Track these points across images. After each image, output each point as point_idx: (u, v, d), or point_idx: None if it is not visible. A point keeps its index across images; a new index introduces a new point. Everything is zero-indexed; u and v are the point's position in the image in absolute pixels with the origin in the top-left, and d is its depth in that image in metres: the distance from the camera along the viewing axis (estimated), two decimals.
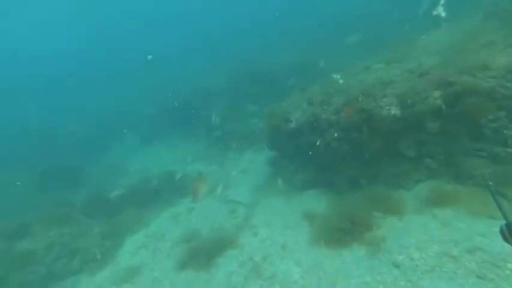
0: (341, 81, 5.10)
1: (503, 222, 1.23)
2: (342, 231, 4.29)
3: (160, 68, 18.89)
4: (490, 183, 1.43)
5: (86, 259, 6.91)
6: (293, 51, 13.02)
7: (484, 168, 3.49)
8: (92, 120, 16.28)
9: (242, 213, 6.40)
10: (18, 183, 9.09)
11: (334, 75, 5.55)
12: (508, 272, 2.84)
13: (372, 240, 3.97)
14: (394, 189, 4.62)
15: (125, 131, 12.49)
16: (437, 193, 4.08)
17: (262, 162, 7.83)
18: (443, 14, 4.92)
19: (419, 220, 3.96)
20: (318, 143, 4.70)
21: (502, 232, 1.14)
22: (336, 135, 4.84)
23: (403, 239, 3.79)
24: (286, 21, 18.77)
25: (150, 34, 30.08)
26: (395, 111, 4.16)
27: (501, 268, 2.88)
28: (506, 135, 3.66)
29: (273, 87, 10.03)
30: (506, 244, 1.18)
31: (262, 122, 7.22)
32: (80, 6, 28.88)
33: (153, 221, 7.85)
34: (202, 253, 5.48)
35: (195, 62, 18.52)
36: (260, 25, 21.01)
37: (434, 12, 4.92)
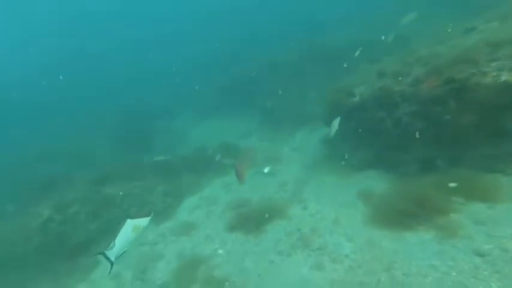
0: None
1: None
2: (405, 214, 3.91)
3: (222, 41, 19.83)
4: None
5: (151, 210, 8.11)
6: (349, 29, 11.98)
7: None
8: (160, 92, 18.33)
9: (292, 188, 6.46)
10: None
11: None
12: None
13: (446, 225, 3.50)
14: (485, 173, 3.84)
15: (196, 87, 13.58)
16: None
17: (317, 141, 7.63)
18: None
19: None
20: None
21: None
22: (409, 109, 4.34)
23: (493, 228, 3.21)
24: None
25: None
26: (507, 77, 3.40)
27: None
28: None
29: (335, 64, 9.47)
30: None
31: (320, 101, 6.94)
32: None
33: (207, 187, 8.61)
34: (251, 220, 5.79)
35: (258, 36, 18.73)
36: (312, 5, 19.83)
37: None
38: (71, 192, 8.32)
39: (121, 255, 2.71)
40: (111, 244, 2.64)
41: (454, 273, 2.96)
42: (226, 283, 4.45)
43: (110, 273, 2.72)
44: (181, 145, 12.22)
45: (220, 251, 5.41)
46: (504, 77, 3.41)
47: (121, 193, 8.30)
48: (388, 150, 5.02)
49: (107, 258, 2.65)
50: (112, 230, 7.40)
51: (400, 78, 4.66)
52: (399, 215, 3.98)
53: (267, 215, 5.52)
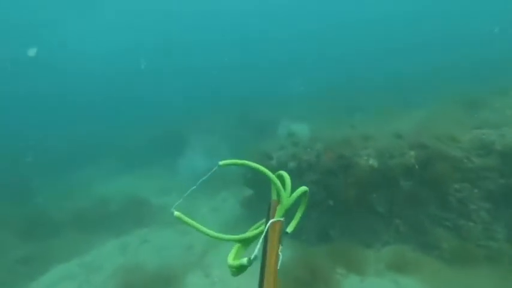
0: None
1: None
2: (299, 281, 4.26)
3: None
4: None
5: None
6: None
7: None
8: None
9: (199, 251, 6.20)
10: None
11: None
12: None
13: None
14: (362, 247, 4.85)
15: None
16: (402, 259, 4.38)
17: (237, 202, 7.91)
18: None
19: (380, 284, 4.15)
20: None
21: None
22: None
23: None
24: None
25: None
26: (373, 162, 4.70)
27: None
28: (470, 209, 4.15)
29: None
30: None
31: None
32: None
33: (95, 249, 7.40)
34: None
35: None
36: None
37: None
38: None
39: None
40: None
41: None
42: None
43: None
44: (80, 196, 10.71)
45: None
46: (371, 161, 4.72)
47: None
48: None
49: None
50: None
51: (308, 150, 5.73)
52: (294, 282, 4.29)
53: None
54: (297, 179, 5.73)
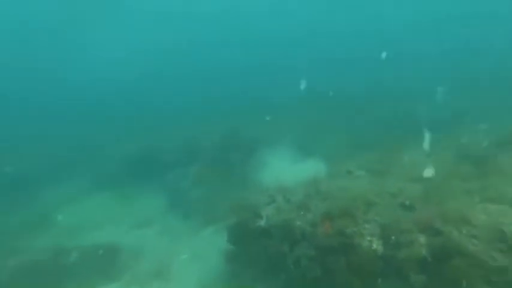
0: None
1: None
2: None
3: None
4: None
5: None
6: None
7: None
8: None
9: None
10: None
11: None
12: None
13: None
14: None
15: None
16: None
17: (220, 252, 7.14)
18: None
19: None
20: None
21: None
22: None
23: None
24: None
25: None
26: (377, 246, 4.08)
27: None
28: None
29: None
30: None
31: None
32: None
33: None
34: None
35: None
36: None
37: None
38: None
39: None
40: None
41: None
42: None
43: None
44: (37, 232, 9.40)
45: None
46: (375, 245, 4.10)
47: None
48: None
49: None
50: None
51: (302, 213, 5.05)
52: None
53: None
54: (288, 247, 5.07)
